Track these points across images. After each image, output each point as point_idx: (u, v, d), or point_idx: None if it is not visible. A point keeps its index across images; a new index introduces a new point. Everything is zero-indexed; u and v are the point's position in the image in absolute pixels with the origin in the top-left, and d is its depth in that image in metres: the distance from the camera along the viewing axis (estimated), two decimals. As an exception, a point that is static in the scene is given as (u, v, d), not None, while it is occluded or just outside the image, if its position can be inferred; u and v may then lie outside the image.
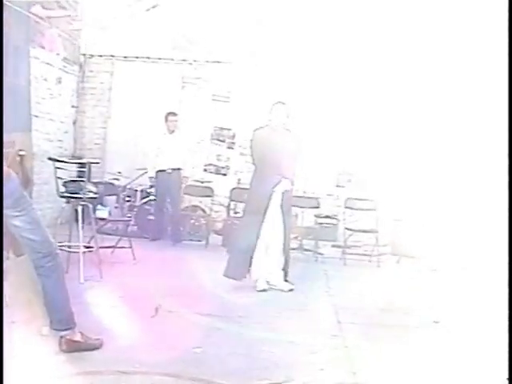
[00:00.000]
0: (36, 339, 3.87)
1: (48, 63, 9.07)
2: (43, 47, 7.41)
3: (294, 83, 10.51)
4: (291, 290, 6.27)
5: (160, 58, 10.33)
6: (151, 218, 9.16)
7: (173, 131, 9.05)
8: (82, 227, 5.95)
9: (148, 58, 10.46)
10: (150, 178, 9.03)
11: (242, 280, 6.20)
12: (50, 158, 6.22)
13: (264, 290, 6.10)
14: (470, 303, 6.19)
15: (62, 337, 3.69)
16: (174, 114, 9.27)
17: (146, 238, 8.96)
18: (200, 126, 10.78)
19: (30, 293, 4.04)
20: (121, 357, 3.75)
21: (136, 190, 9.56)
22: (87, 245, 6.37)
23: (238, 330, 4.65)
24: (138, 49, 10.28)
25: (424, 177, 9.15)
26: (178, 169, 8.96)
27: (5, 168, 3.42)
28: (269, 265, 6.26)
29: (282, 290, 6.26)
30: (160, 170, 8.92)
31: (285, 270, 6.38)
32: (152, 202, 9.21)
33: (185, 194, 9.25)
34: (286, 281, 6.36)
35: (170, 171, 8.87)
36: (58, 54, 8.25)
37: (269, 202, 6.15)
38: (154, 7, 6.18)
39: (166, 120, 9.07)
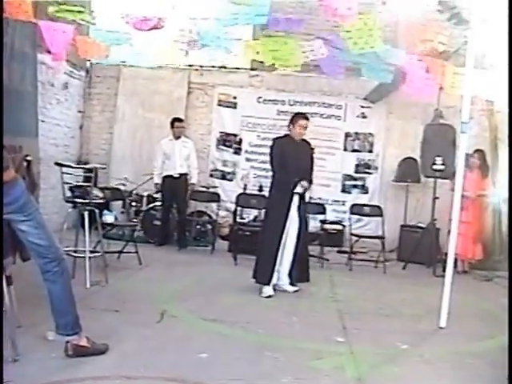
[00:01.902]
0: (42, 344, 3.88)
1: (55, 69, 9.10)
2: (49, 53, 7.43)
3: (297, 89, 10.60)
4: (296, 291, 6.37)
5: (166, 64, 10.35)
6: (157, 223, 9.15)
7: (179, 137, 9.05)
8: (89, 232, 5.96)
9: (154, 63, 10.48)
10: (156, 184, 9.03)
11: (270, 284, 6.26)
12: (56, 163, 6.23)
13: (270, 297, 6.12)
14: (475, 309, 6.19)
15: (67, 341, 3.70)
16: (180, 119, 9.29)
17: (152, 243, 8.96)
18: (206, 131, 10.82)
19: (36, 297, 4.05)
20: (126, 362, 3.76)
21: (142, 195, 9.57)
22: (93, 250, 6.39)
23: (244, 335, 4.65)
24: (144, 54, 10.31)
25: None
26: (185, 174, 8.97)
27: (12, 173, 3.44)
28: (280, 269, 6.37)
29: (287, 291, 6.34)
30: (166, 176, 8.93)
31: (299, 272, 6.46)
32: (158, 207, 9.22)
33: (191, 199, 9.25)
34: (291, 284, 6.43)
35: (176, 176, 8.88)
36: (63, 63, 8.25)
37: (288, 207, 6.31)
38: (161, 27, 6.22)
39: (173, 126, 9.06)
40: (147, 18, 6.24)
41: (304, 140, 6.59)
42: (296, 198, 6.38)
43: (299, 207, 6.41)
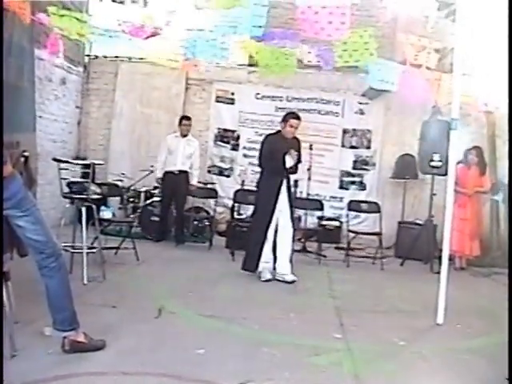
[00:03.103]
0: (39, 339, 3.88)
1: (52, 64, 9.07)
2: (47, 49, 7.41)
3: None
4: (293, 282, 6.51)
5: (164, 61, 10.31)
6: (155, 219, 9.15)
7: (185, 135, 9.04)
8: (86, 228, 5.95)
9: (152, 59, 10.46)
10: (157, 178, 9.03)
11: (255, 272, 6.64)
12: (54, 159, 6.22)
13: (269, 280, 6.39)
14: (473, 306, 6.20)
15: (65, 337, 3.70)
16: (188, 118, 9.27)
17: (149, 239, 8.96)
18: (204, 127, 10.80)
19: (33, 293, 4.05)
20: (124, 357, 3.76)
21: (140, 191, 9.56)
22: (91, 245, 6.39)
23: (241, 331, 4.65)
24: (142, 50, 10.29)
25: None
26: (186, 172, 8.96)
27: (9, 168, 3.43)
28: (277, 255, 6.63)
29: (286, 281, 6.49)
30: (167, 171, 8.92)
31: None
32: (156, 203, 9.21)
33: (188, 195, 9.25)
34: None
35: (176, 172, 8.87)
36: (59, 57, 8.22)
37: (275, 200, 6.57)
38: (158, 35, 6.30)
39: (180, 123, 9.06)
40: (144, 25, 6.25)
41: (294, 137, 6.78)
42: (284, 189, 6.62)
43: (289, 200, 6.69)
